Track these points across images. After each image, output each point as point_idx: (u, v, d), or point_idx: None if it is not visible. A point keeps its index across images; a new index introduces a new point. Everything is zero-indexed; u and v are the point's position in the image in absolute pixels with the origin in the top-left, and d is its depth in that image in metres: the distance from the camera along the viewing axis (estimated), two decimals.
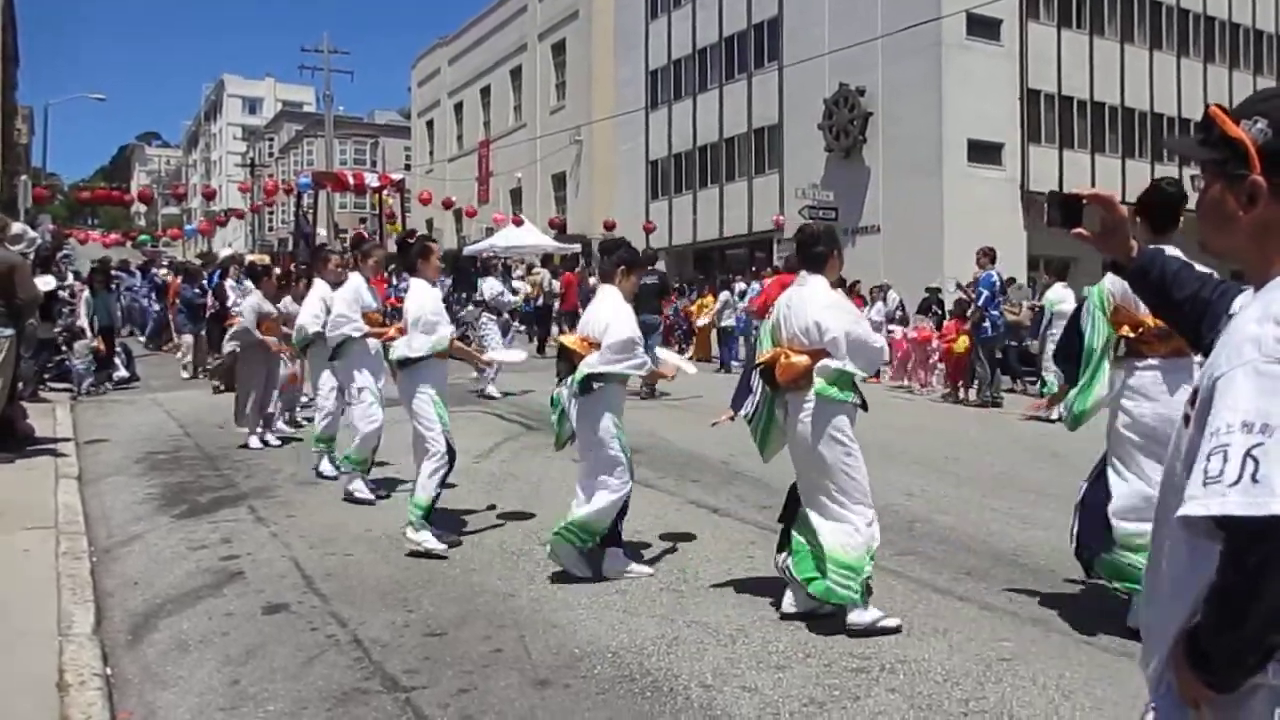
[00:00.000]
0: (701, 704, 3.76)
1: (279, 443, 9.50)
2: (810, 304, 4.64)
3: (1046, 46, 28.85)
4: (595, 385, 5.23)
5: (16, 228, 9.52)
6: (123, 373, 14.57)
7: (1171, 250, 2.68)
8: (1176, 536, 1.48)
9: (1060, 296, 12.34)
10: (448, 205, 39.08)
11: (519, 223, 32.87)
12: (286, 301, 10.18)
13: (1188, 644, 1.42)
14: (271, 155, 72.26)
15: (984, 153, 27.62)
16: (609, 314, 5.33)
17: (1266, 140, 1.53)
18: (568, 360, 5.45)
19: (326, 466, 7.88)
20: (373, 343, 7.27)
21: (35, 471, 7.81)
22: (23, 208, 27.94)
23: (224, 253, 25.92)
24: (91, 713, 3.62)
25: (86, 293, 14.46)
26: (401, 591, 5.10)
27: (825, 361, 4.53)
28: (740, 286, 19.75)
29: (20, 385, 9.39)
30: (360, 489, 7.15)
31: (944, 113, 26.76)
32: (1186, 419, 1.54)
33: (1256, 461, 1.32)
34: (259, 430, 9.42)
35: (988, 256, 13.77)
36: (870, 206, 28.74)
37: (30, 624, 4.47)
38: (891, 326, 17.27)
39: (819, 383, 4.52)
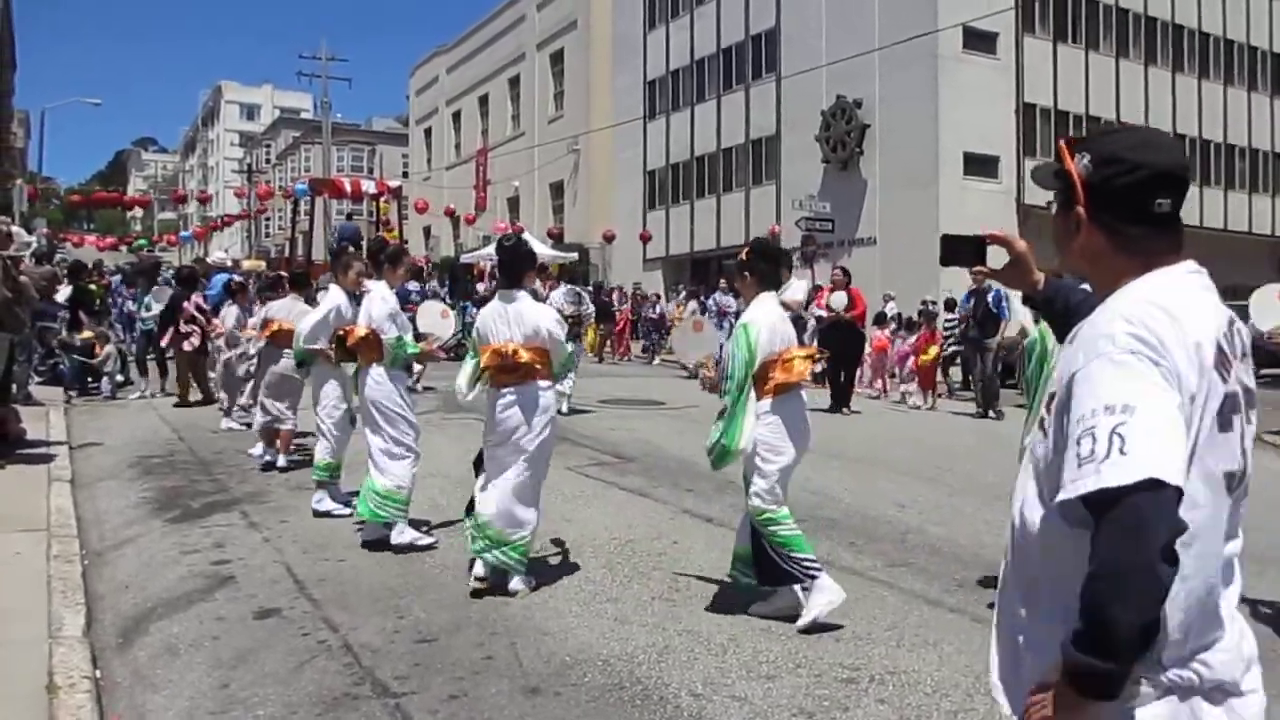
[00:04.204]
0: (691, 713, 3.77)
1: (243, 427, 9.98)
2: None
3: (1042, 60, 28.99)
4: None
5: (18, 233, 9.54)
6: (119, 377, 14.55)
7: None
8: (1055, 537, 1.56)
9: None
10: (449, 214, 39.08)
11: (520, 230, 32.83)
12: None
13: (1082, 639, 1.42)
14: (269, 162, 72.35)
15: (980, 165, 27.74)
16: None
17: (1089, 174, 1.66)
18: None
19: (328, 503, 6.93)
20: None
21: (28, 475, 7.79)
22: (18, 211, 27.98)
23: (213, 257, 25.82)
24: (81, 715, 3.62)
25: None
26: (393, 597, 5.10)
27: None
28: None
29: (14, 388, 9.37)
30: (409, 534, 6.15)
31: (940, 125, 26.87)
32: (1042, 425, 1.63)
33: (1122, 437, 1.42)
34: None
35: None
36: (867, 218, 28.81)
37: (20, 627, 4.47)
38: None
39: None
